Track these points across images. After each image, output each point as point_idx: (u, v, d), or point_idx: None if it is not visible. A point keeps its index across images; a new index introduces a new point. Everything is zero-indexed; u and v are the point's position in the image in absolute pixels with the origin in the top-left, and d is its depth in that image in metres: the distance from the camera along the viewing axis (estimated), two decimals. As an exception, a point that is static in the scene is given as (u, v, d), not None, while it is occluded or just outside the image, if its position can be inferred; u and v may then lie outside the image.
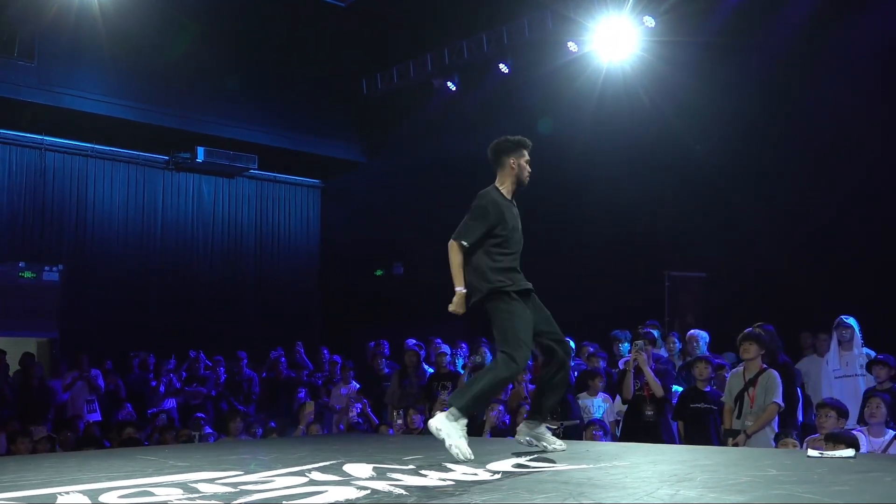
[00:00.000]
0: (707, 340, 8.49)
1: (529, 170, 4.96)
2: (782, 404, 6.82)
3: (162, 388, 11.99)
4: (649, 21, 11.36)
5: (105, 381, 11.76)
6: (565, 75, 12.42)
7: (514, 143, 4.96)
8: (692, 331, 8.70)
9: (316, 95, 15.47)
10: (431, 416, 4.85)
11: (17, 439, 8.27)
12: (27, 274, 13.67)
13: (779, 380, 6.86)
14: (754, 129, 10.79)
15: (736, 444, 6.69)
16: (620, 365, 8.39)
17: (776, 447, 6.44)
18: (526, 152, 4.96)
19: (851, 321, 7.86)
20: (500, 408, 8.18)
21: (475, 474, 4.07)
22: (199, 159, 14.97)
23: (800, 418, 7.53)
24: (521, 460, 4.43)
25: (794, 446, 6.30)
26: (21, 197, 13.94)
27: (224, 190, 16.12)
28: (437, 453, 4.65)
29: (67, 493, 3.67)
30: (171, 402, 11.75)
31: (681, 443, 7.55)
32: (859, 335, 7.86)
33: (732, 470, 4.12)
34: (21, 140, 13.96)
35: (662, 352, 8.76)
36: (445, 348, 9.94)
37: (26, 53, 12.45)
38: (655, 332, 8.94)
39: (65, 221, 14.39)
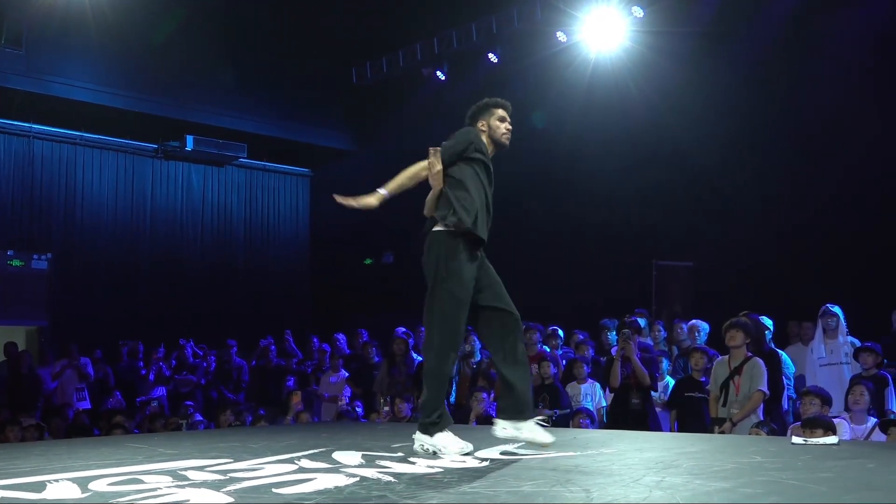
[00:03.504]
0: (708, 331, 8.53)
1: (505, 129, 4.84)
2: (767, 392, 6.88)
3: (151, 377, 11.98)
4: (638, 11, 11.39)
5: (94, 369, 11.75)
6: (554, 65, 12.44)
7: (482, 105, 4.90)
8: (693, 321, 8.72)
9: (305, 84, 15.42)
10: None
11: (7, 428, 8.26)
12: (16, 262, 13.65)
13: (764, 368, 6.91)
14: (743, 118, 10.83)
15: (722, 432, 6.74)
16: (613, 353, 8.44)
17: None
18: (498, 111, 4.84)
19: (837, 310, 7.91)
20: (484, 395, 8.18)
21: (463, 461, 4.10)
22: (189, 148, 14.94)
23: (785, 406, 7.58)
24: (509, 448, 4.47)
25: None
26: (9, 185, 13.86)
27: (213, 178, 16.09)
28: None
29: (57, 480, 3.67)
30: (160, 391, 11.74)
31: (673, 430, 7.62)
32: (844, 323, 7.91)
33: (718, 457, 4.17)
34: (9, 128, 13.89)
35: (648, 341, 8.82)
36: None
37: (14, 41, 12.37)
38: (642, 322, 8.99)
39: (53, 210, 14.33)
